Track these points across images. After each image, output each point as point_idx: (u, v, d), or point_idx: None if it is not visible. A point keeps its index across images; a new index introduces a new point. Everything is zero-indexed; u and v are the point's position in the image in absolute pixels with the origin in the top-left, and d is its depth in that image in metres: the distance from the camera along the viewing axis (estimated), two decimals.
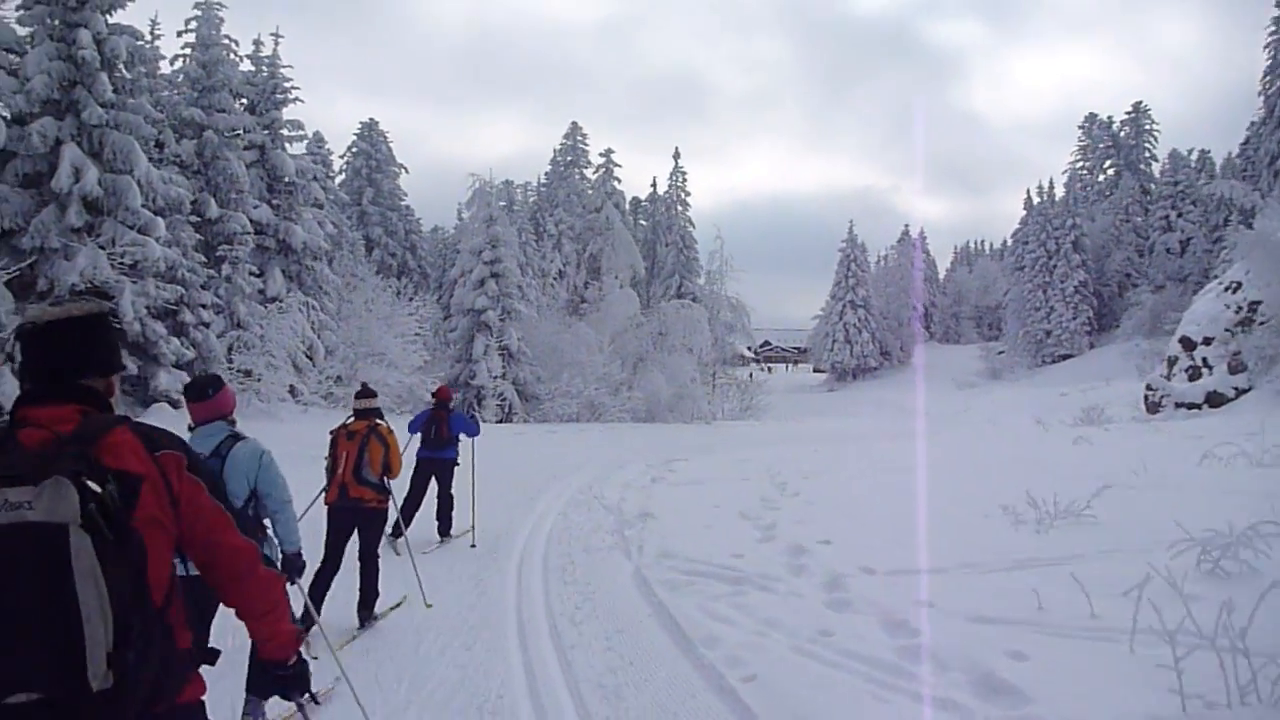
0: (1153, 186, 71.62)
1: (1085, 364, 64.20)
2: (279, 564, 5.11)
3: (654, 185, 53.41)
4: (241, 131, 27.55)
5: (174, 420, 13.92)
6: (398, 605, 7.83)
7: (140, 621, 2.11)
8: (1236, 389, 30.03)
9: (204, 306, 23.93)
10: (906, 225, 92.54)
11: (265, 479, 5.01)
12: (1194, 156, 70.41)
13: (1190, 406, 31.26)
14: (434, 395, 11.46)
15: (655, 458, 21.49)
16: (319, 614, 6.01)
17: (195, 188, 25.64)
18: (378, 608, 7.47)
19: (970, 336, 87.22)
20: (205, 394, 5.03)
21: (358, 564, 7.36)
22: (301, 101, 29.46)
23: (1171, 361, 39.10)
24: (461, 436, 11.35)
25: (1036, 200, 73.01)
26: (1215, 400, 30.23)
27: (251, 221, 27.46)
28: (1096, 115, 77.50)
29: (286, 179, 28.72)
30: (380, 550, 7.63)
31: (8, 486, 2.03)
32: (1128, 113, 75.18)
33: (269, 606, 2.57)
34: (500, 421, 32.16)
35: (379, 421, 7.60)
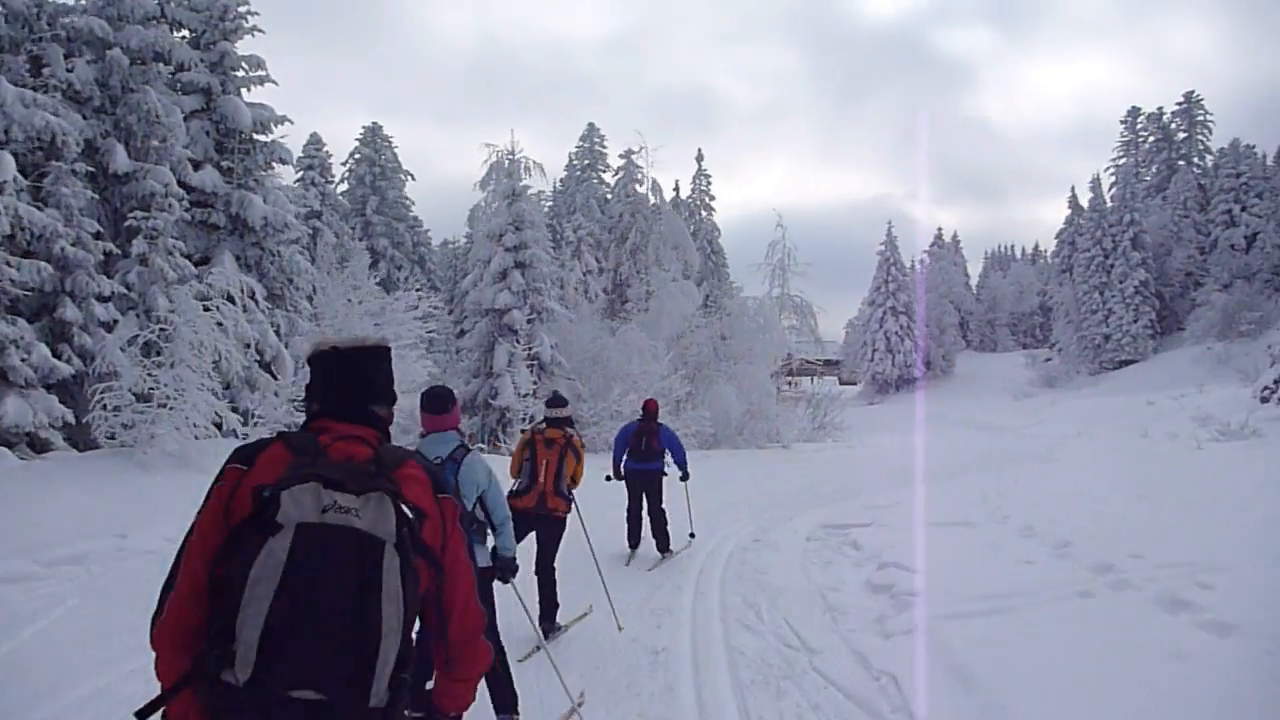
0: (1206, 181, 63.33)
1: (1153, 369, 55.83)
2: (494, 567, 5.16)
3: (676, 189, 44.99)
4: (174, 66, 18.93)
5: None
6: (583, 616, 7.59)
7: (409, 647, 2.08)
8: None
9: (101, 298, 15.27)
10: (940, 229, 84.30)
11: (493, 492, 5.12)
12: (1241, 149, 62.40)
13: None
14: (643, 408, 10.77)
15: (789, 511, 14.09)
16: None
17: (97, 131, 17.05)
18: (560, 618, 7.22)
19: (1007, 344, 78.95)
20: (444, 407, 5.10)
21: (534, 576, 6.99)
22: (262, 32, 20.70)
23: None
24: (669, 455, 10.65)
25: (1088, 197, 64.56)
26: None
27: (191, 189, 18.87)
28: (1139, 109, 69.28)
29: (242, 133, 20.06)
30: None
31: (337, 491, 2.03)
32: (1179, 103, 66.67)
33: (472, 675, 2.49)
34: None
35: (572, 432, 7.57)
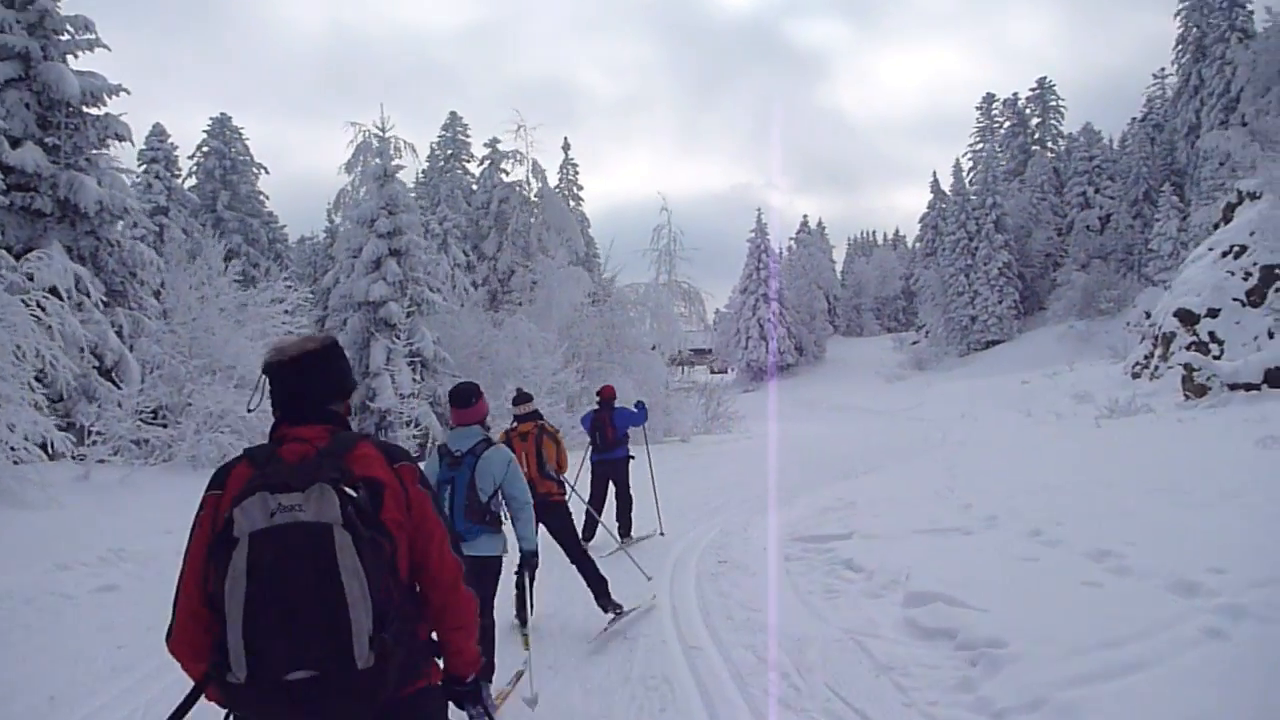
0: (1060, 165, 64.52)
1: (1019, 349, 56.38)
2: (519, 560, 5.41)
3: (542, 178, 42.51)
4: None
5: None
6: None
7: (394, 609, 2.23)
8: None
9: None
10: (805, 215, 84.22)
11: (511, 482, 5.19)
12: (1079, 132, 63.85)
13: (1246, 388, 22.81)
14: (598, 394, 10.97)
15: (730, 518, 12.41)
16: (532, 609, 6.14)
17: None
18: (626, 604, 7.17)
19: (872, 329, 79.31)
20: (469, 402, 5.26)
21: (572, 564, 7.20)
22: None
23: (1167, 339, 31.78)
24: (631, 431, 10.90)
25: (949, 182, 64.97)
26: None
27: (9, 170, 15.95)
28: (994, 95, 70.15)
29: (69, 105, 17.09)
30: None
31: (281, 493, 2.17)
32: (1032, 89, 67.89)
33: (463, 622, 2.59)
34: (416, 458, 21.02)
35: (544, 422, 7.69)
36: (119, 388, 14.90)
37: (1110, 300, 54.27)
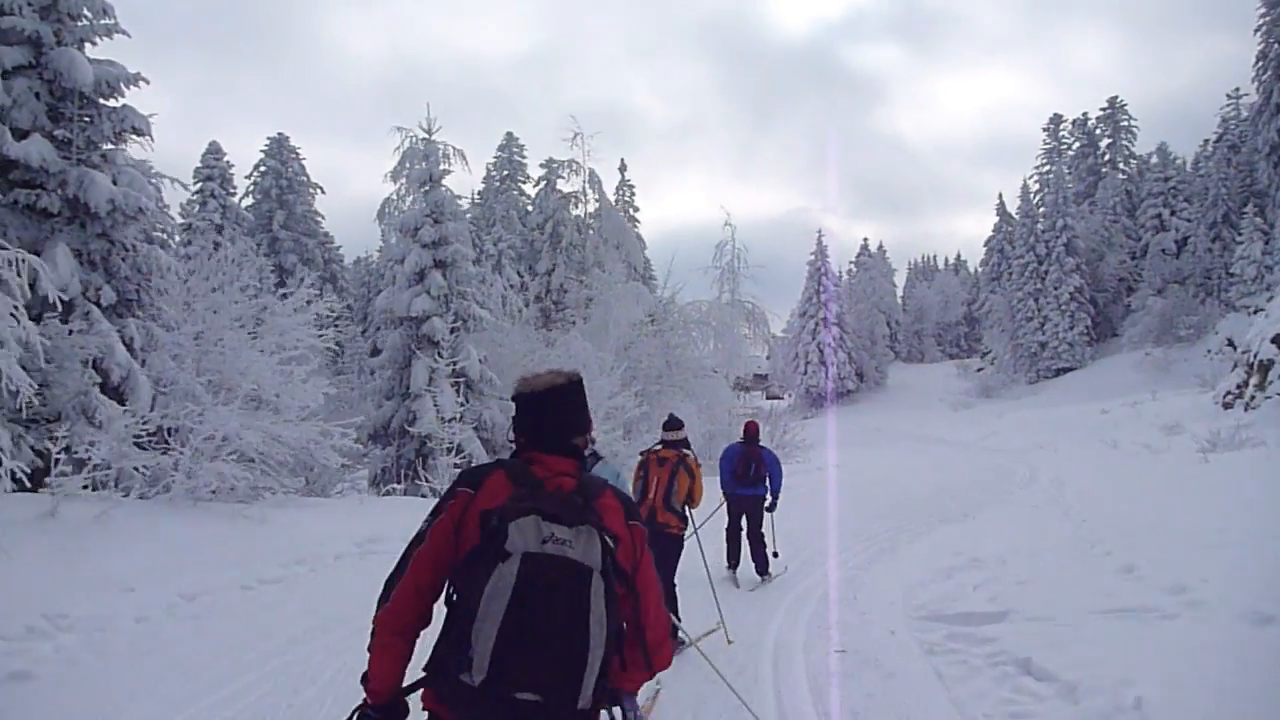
0: (1133, 186, 61.39)
1: (1093, 377, 53.31)
2: None
3: (599, 189, 40.33)
4: None
5: None
6: (710, 632, 7.26)
7: (611, 658, 2.32)
8: None
9: None
10: (865, 239, 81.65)
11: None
12: (1153, 157, 60.65)
13: None
14: (744, 430, 10.42)
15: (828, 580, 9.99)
16: None
17: None
18: (682, 634, 6.52)
19: (934, 355, 76.33)
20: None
21: None
22: None
23: (1265, 366, 29.56)
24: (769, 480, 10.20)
25: (1017, 205, 62.07)
26: None
27: (13, 164, 14.15)
28: (1062, 116, 67.17)
29: (83, 95, 15.24)
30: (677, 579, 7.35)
31: (554, 523, 2.28)
32: (1103, 109, 64.69)
33: (660, 669, 2.67)
34: None
35: (687, 452, 7.59)
36: (124, 406, 12.95)
37: (1189, 327, 51.26)
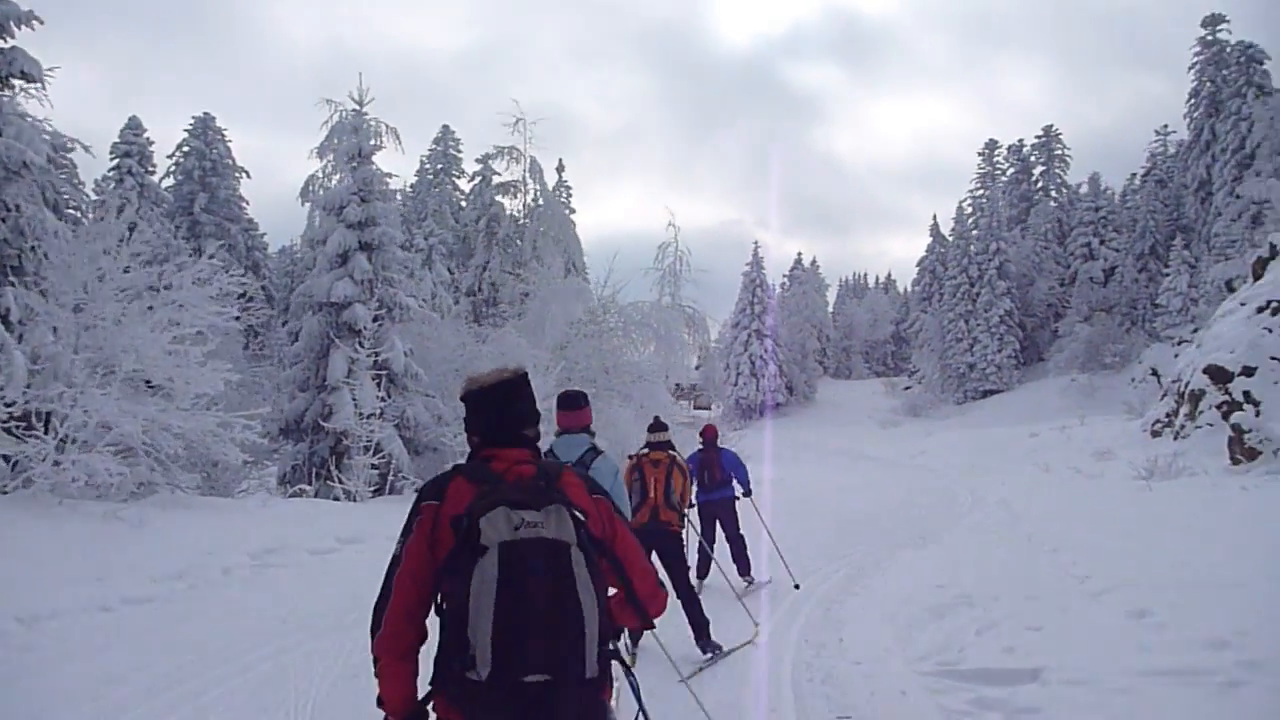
0: (1063, 215, 61.72)
1: (1019, 400, 53.20)
2: None
3: (536, 199, 37.89)
4: None
5: None
6: (746, 644, 7.16)
7: (606, 624, 2.37)
8: None
9: None
10: (800, 253, 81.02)
11: (617, 494, 5.05)
12: (1083, 186, 61.18)
13: None
14: (701, 435, 10.42)
15: (793, 620, 8.43)
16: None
17: None
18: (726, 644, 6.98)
19: (861, 372, 75.98)
20: (577, 404, 5.25)
21: (677, 600, 6.70)
22: None
23: (1195, 396, 28.22)
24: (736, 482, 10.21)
25: (952, 224, 61.99)
26: None
27: None
28: (997, 142, 67.30)
29: None
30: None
31: (522, 510, 2.31)
32: (1038, 137, 64.85)
33: (654, 616, 2.73)
34: (376, 492, 16.98)
35: (674, 453, 7.66)
36: None
37: (1115, 355, 51.47)
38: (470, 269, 29.53)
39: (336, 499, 15.73)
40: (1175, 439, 29.97)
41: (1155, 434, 33.54)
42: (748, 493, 10.17)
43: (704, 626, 6.89)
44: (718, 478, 9.90)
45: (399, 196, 31.13)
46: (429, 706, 2.40)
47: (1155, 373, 47.98)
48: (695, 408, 61.57)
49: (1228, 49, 53.00)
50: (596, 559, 2.36)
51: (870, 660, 6.35)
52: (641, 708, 2.76)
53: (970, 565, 10.43)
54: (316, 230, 20.02)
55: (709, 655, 6.72)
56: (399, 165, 66.64)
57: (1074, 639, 6.48)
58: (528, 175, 28.17)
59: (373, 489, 16.65)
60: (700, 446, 10.15)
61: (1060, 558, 10.63)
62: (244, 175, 45.36)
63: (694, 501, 9.41)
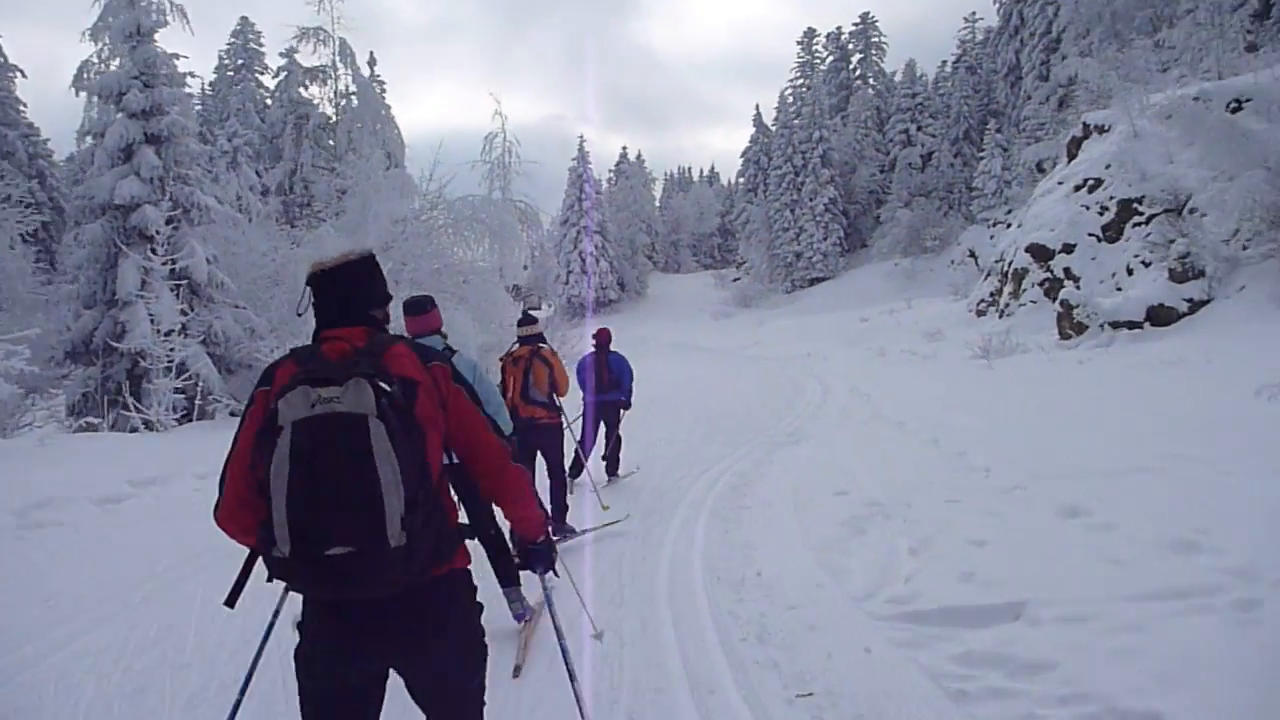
0: (881, 102, 62.05)
1: (846, 286, 53.86)
2: None
3: (349, 88, 34.84)
4: None
5: None
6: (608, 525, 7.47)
7: (423, 495, 2.30)
8: (1190, 301, 20.27)
9: None
10: (625, 147, 79.17)
11: (481, 387, 4.90)
12: (898, 74, 61.67)
13: (1129, 326, 20.98)
14: (594, 338, 10.35)
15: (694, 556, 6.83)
16: None
17: None
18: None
19: (690, 265, 75.59)
20: (424, 309, 5.19)
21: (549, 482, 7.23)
22: None
23: (1019, 275, 29.00)
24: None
25: (773, 116, 61.45)
26: (1163, 317, 20.40)
27: None
28: (815, 30, 66.84)
29: None
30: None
31: (321, 386, 2.25)
32: (855, 25, 64.70)
33: (520, 494, 2.72)
34: (184, 418, 14.73)
35: (541, 345, 7.50)
36: None
37: (935, 239, 52.46)
38: (280, 163, 26.56)
39: (134, 430, 13.57)
40: (1001, 317, 30.45)
41: (980, 313, 34.13)
42: (627, 404, 10.17)
43: (563, 511, 7.25)
44: (605, 380, 9.96)
45: (194, 92, 27.70)
46: (269, 581, 2.41)
47: (973, 254, 49.04)
48: (527, 308, 59.68)
49: None
50: (406, 428, 2.28)
51: (807, 603, 5.15)
52: (556, 624, 2.91)
53: (860, 463, 9.52)
54: (95, 123, 17.12)
55: (559, 537, 6.80)
56: (195, 64, 61.03)
57: (1028, 555, 5.50)
58: (338, 59, 25.35)
59: (179, 416, 14.48)
60: (593, 348, 10.20)
61: (944, 448, 9.91)
62: (19, 74, 40.16)
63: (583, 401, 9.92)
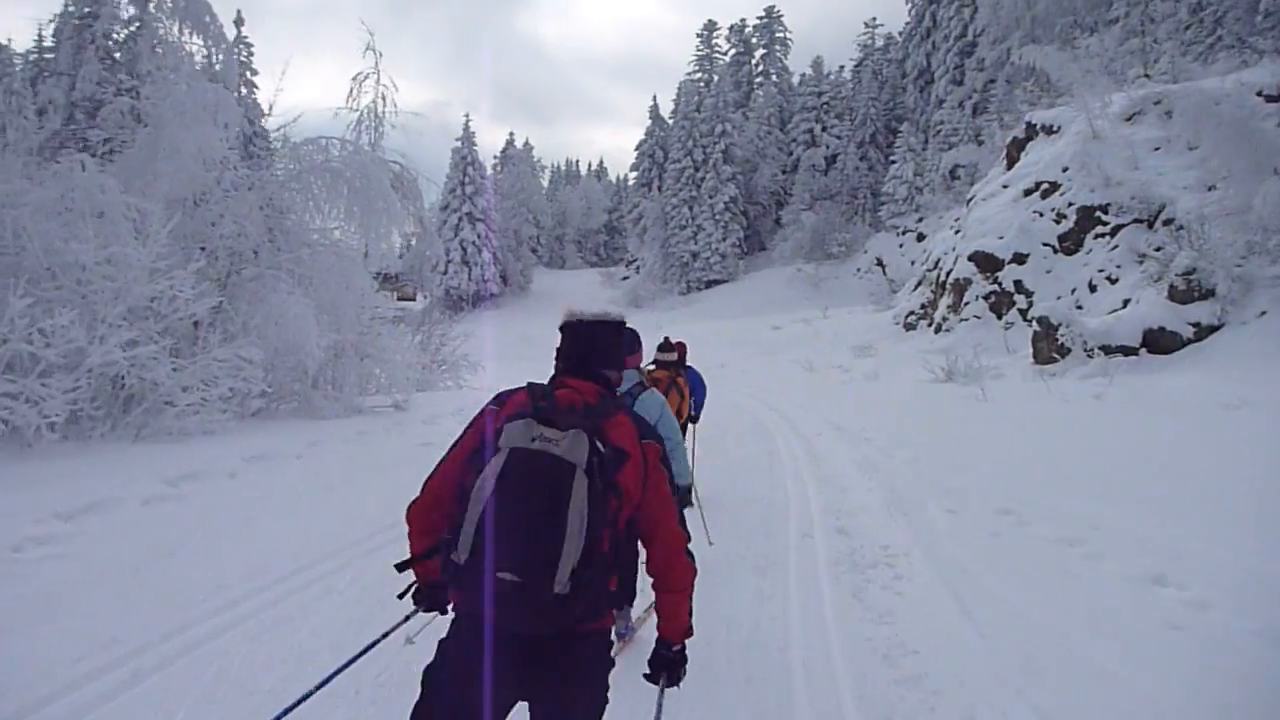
0: (784, 100, 57.84)
1: (745, 290, 49.31)
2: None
3: (210, 59, 27.66)
4: None
5: None
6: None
7: (598, 556, 2.22)
8: (1197, 325, 15.90)
9: None
10: (512, 133, 72.94)
11: (664, 424, 4.89)
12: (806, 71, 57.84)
13: (1124, 352, 16.61)
14: (663, 351, 8.84)
15: None
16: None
17: None
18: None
19: (575, 261, 70.07)
20: (633, 350, 4.80)
21: None
22: None
23: (960, 286, 24.90)
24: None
25: (672, 108, 56.39)
26: (1163, 343, 16.11)
27: None
28: (715, 23, 62.21)
29: None
30: None
31: (546, 426, 2.27)
32: (760, 18, 60.20)
33: (682, 587, 2.61)
34: None
35: (680, 373, 7.45)
36: None
37: (841, 244, 48.33)
38: (54, 76, 19.43)
39: None
40: (937, 332, 26.18)
41: (909, 326, 30.36)
42: (694, 419, 8.40)
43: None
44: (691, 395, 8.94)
45: None
46: (399, 598, 2.61)
47: (880, 263, 45.32)
48: (399, 299, 52.95)
49: None
50: (605, 491, 2.26)
51: None
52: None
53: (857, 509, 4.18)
54: None
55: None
56: None
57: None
58: None
59: None
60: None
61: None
62: None
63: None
